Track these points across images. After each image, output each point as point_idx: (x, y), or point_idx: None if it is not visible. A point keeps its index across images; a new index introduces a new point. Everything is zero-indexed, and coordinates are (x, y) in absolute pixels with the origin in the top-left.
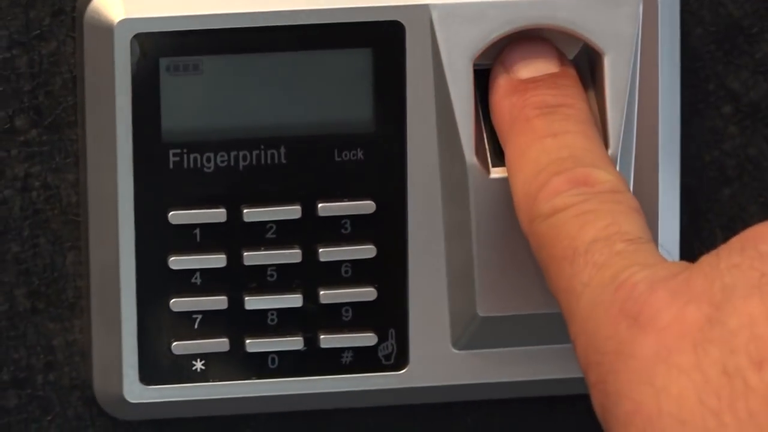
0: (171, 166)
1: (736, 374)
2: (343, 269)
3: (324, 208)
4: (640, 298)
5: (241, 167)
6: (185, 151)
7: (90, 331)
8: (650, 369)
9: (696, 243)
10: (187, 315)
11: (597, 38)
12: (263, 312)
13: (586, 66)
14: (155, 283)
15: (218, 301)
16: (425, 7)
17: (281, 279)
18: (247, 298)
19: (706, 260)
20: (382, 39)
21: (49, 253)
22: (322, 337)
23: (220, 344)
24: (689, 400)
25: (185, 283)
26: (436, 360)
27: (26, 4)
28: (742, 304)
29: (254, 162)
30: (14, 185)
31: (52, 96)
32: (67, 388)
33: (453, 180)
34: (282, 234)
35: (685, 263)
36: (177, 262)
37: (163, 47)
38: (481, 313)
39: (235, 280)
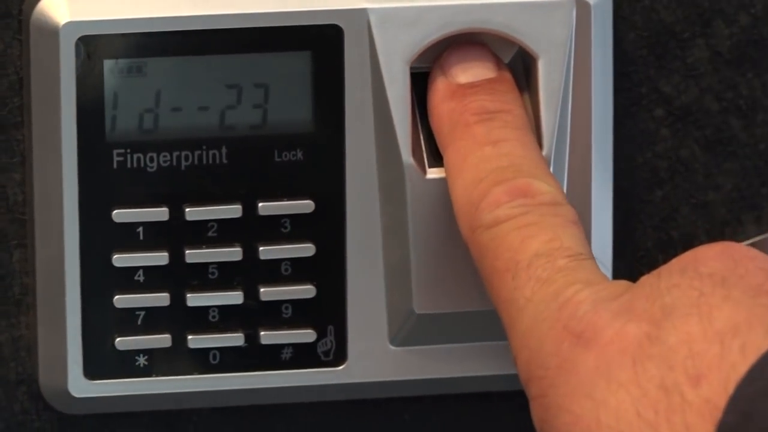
0: (115, 165)
1: (674, 389)
2: (282, 267)
3: (264, 207)
4: (585, 318)
5: (183, 167)
6: (129, 151)
7: (36, 327)
8: (590, 383)
9: (628, 243)
10: (131, 311)
11: (531, 42)
12: (205, 309)
13: (521, 69)
14: (99, 280)
15: (161, 298)
16: (363, 11)
17: (222, 276)
18: (188, 295)
19: (647, 280)
20: (321, 42)
21: None
22: (262, 333)
23: (162, 340)
24: (627, 413)
25: (128, 280)
26: (374, 356)
27: None
28: (681, 323)
29: (196, 162)
30: None
31: None
32: (14, 382)
33: (390, 180)
34: (223, 232)
35: (626, 283)
36: (120, 259)
37: (107, 49)
38: (418, 311)
39: (177, 277)
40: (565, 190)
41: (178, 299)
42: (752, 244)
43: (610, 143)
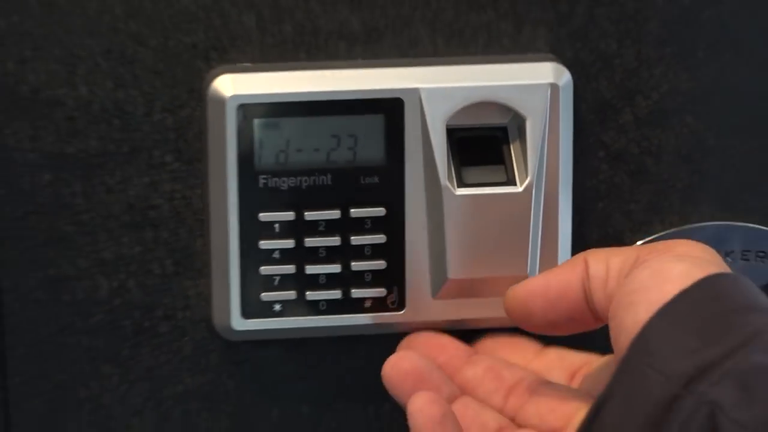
0: (261, 185)
1: None
2: (365, 250)
3: (354, 212)
4: None
5: (304, 186)
6: (269, 176)
7: (210, 287)
8: None
9: (582, 238)
10: (271, 277)
11: (522, 109)
12: (316, 275)
13: (515, 126)
14: (251, 258)
15: (289, 269)
16: (417, 90)
17: (328, 255)
18: (307, 267)
19: None
20: (390, 108)
21: (186, 239)
22: (353, 291)
23: (290, 295)
24: None
25: (269, 257)
26: (423, 306)
27: (171, 85)
28: None
29: (311, 183)
30: (164, 197)
31: (187, 142)
32: (197, 321)
33: (433, 195)
34: (329, 228)
35: None
36: (264, 244)
37: (256, 112)
38: (451, 276)
39: (300, 255)
40: (541, 207)
41: (300, 269)
42: (660, 237)
43: (570, 174)
